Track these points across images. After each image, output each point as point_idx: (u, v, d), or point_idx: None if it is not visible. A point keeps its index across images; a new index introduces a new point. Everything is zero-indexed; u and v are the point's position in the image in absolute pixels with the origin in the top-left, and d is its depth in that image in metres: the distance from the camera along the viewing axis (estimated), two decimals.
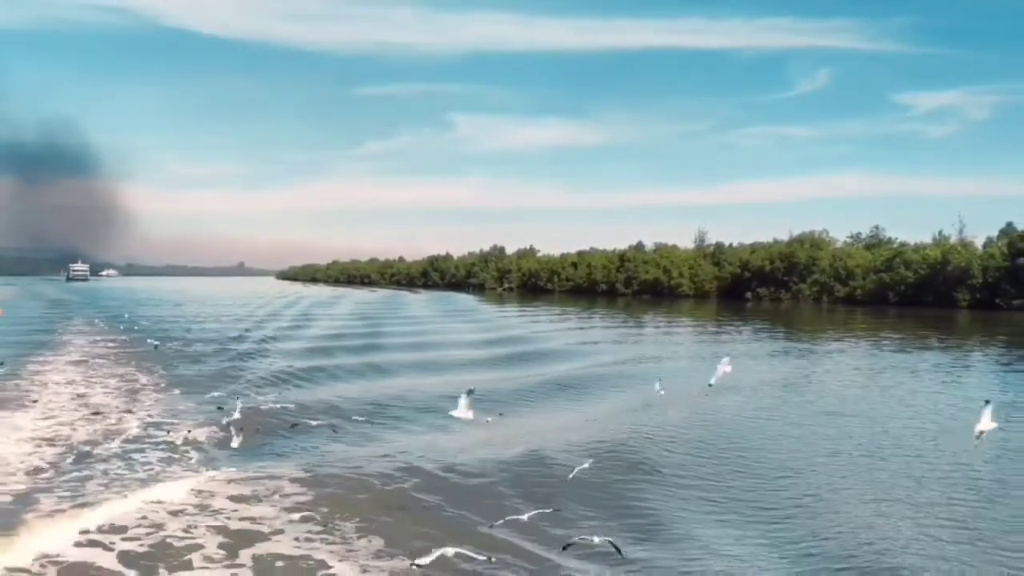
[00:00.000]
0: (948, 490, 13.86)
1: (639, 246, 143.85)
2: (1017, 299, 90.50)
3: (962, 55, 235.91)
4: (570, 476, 12.83)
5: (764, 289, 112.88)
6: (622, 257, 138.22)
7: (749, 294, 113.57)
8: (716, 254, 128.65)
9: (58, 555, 10.48)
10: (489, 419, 17.27)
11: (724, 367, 18.40)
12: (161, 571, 10.18)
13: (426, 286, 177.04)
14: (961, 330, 58.32)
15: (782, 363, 33.96)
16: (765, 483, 14.25)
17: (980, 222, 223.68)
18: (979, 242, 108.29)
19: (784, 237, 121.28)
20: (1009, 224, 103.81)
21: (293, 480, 13.82)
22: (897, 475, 14.88)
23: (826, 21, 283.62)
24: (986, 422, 13.21)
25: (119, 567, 10.29)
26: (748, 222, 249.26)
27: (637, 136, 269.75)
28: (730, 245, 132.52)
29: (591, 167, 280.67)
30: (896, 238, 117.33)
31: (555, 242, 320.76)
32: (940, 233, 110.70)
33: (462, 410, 14.16)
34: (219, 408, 18.93)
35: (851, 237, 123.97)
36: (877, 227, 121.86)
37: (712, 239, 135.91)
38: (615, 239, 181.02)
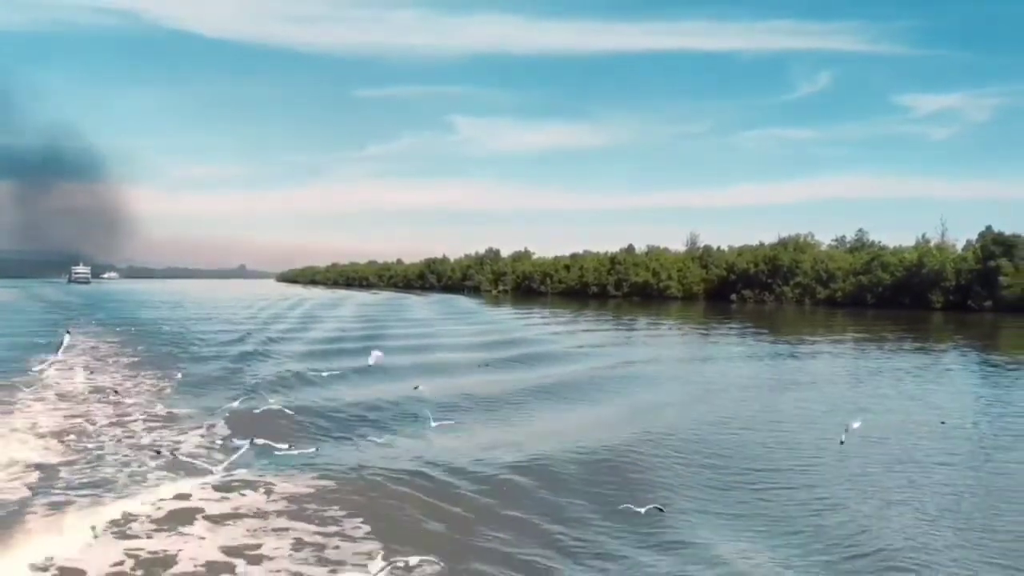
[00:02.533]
0: (939, 484, 14.75)
1: (630, 249, 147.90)
2: (988, 301, 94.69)
3: (963, 57, 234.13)
4: (643, 510, 11.94)
5: (749, 291, 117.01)
6: (613, 260, 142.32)
7: (734, 296, 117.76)
8: (704, 257, 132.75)
9: (61, 556, 10.69)
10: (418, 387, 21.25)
11: (376, 356, 21.96)
12: (164, 573, 10.41)
13: (423, 288, 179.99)
14: (923, 332, 61.00)
15: (764, 365, 35.84)
16: (762, 481, 14.83)
17: (982, 224, 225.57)
18: (960, 245, 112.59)
19: (775, 240, 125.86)
20: (988, 227, 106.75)
21: (299, 481, 14.02)
22: (887, 470, 15.67)
23: (827, 23, 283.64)
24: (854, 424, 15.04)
25: (122, 568, 10.48)
26: (750, 225, 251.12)
27: (638, 138, 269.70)
28: (718, 248, 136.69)
29: (592, 169, 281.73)
30: (878, 241, 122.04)
31: (556, 244, 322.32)
32: (923, 236, 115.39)
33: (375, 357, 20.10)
34: (227, 410, 18.95)
35: (835, 240, 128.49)
36: (861, 230, 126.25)
37: (715, 242, 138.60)
38: (616, 241, 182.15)
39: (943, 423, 19.69)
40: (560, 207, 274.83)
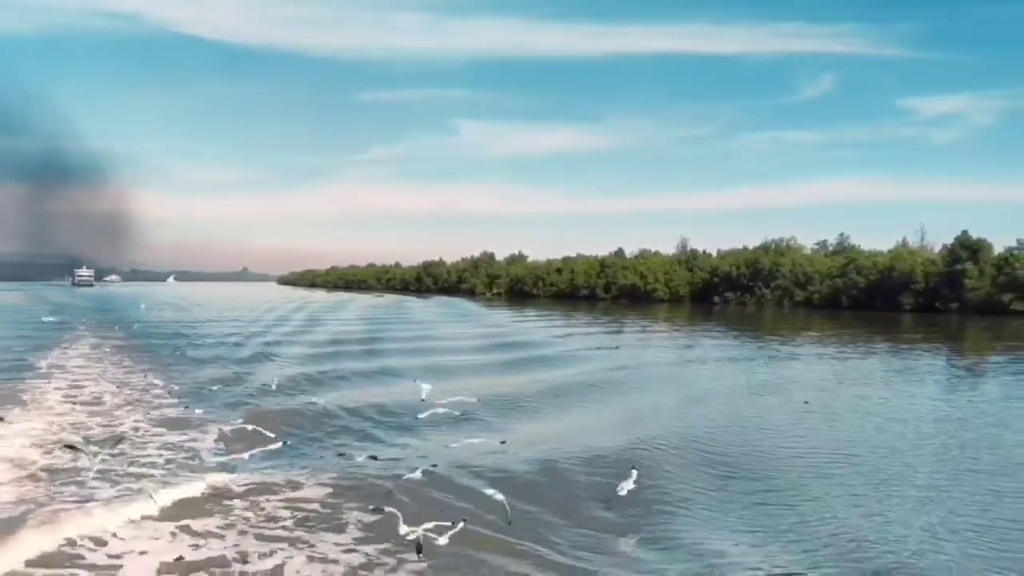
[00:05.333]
0: (934, 483, 15.47)
1: (619, 252, 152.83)
2: (954, 303, 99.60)
3: (968, 60, 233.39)
4: (622, 493, 12.51)
5: (731, 293, 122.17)
6: (602, 263, 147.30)
7: (717, 298, 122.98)
8: (689, 260, 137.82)
9: (60, 556, 10.85)
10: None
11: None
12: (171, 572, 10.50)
13: (420, 291, 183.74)
14: (875, 333, 63.32)
15: (746, 367, 37.05)
16: (762, 482, 15.23)
17: (985, 227, 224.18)
18: (938, 249, 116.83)
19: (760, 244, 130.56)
20: (964, 232, 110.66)
21: (306, 483, 14.09)
22: (879, 470, 16.41)
23: (831, 26, 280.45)
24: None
25: (122, 568, 10.59)
26: (752, 228, 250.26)
27: (641, 141, 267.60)
28: (704, 252, 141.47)
29: (594, 172, 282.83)
30: (858, 244, 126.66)
31: (558, 246, 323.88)
32: (903, 239, 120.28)
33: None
34: (236, 412, 19.03)
35: (818, 243, 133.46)
36: (842, 234, 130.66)
37: (717, 246, 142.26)
38: (617, 244, 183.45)
39: (806, 403, 23.83)
40: (562, 210, 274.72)
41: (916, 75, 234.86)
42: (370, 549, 11.40)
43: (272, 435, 16.95)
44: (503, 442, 17.16)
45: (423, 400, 19.90)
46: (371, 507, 12.50)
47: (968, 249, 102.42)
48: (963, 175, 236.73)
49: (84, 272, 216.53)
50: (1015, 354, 45.16)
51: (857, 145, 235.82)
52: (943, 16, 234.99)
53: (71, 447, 14.82)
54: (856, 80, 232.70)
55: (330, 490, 13.85)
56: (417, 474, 14.01)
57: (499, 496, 11.95)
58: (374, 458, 15.78)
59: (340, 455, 16.06)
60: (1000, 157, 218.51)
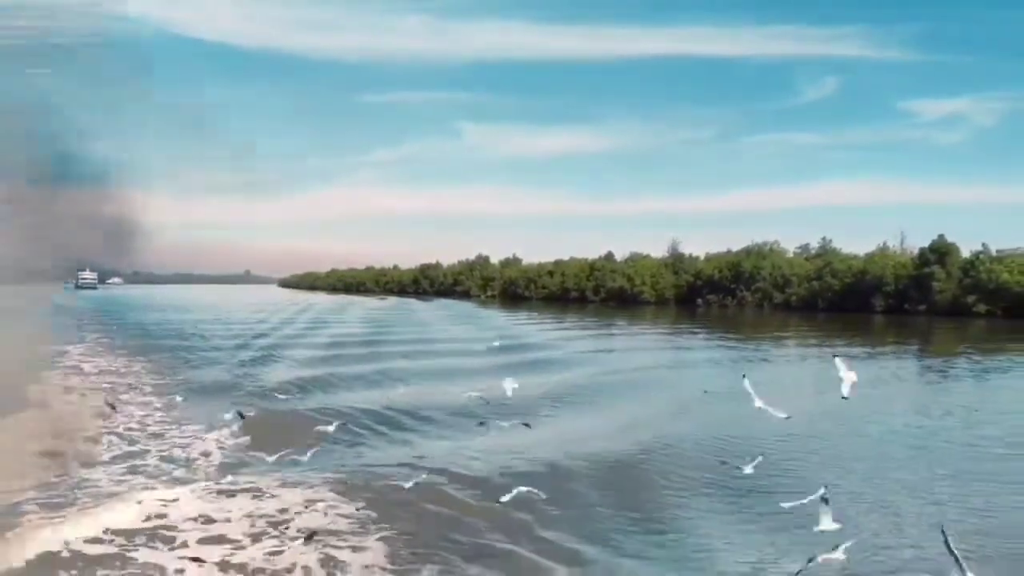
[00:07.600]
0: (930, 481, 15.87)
1: (609, 256, 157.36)
2: (922, 305, 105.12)
3: (970, 62, 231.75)
4: (747, 469, 11.89)
5: (713, 296, 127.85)
6: (592, 266, 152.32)
7: (700, 301, 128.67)
8: (676, 263, 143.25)
9: (66, 554, 10.94)
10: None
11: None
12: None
13: (417, 293, 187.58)
14: (835, 334, 66.63)
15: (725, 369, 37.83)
16: (768, 485, 14.98)
17: (985, 230, 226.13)
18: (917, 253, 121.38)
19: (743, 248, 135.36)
20: (940, 236, 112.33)
21: (310, 485, 14.16)
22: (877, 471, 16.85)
23: (834, 28, 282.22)
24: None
25: (127, 569, 10.66)
26: (753, 230, 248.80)
27: (643, 144, 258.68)
28: (690, 255, 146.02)
29: (596, 175, 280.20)
30: (840, 248, 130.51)
31: (558, 248, 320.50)
32: (884, 243, 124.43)
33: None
34: (240, 415, 19.33)
35: (800, 248, 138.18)
36: (824, 238, 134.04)
37: (715, 248, 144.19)
38: (617, 245, 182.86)
39: (705, 392, 25.15)
40: (562, 212, 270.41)
41: (918, 77, 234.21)
42: (371, 550, 11.51)
43: (274, 437, 17.03)
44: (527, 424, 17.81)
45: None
46: (359, 506, 12.99)
47: (937, 253, 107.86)
48: (965, 177, 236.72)
49: (87, 274, 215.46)
50: (974, 356, 46.42)
51: (859, 147, 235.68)
52: (944, 18, 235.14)
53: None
54: (858, 82, 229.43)
55: (332, 494, 13.91)
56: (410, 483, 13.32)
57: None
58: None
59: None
60: (1002, 159, 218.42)
